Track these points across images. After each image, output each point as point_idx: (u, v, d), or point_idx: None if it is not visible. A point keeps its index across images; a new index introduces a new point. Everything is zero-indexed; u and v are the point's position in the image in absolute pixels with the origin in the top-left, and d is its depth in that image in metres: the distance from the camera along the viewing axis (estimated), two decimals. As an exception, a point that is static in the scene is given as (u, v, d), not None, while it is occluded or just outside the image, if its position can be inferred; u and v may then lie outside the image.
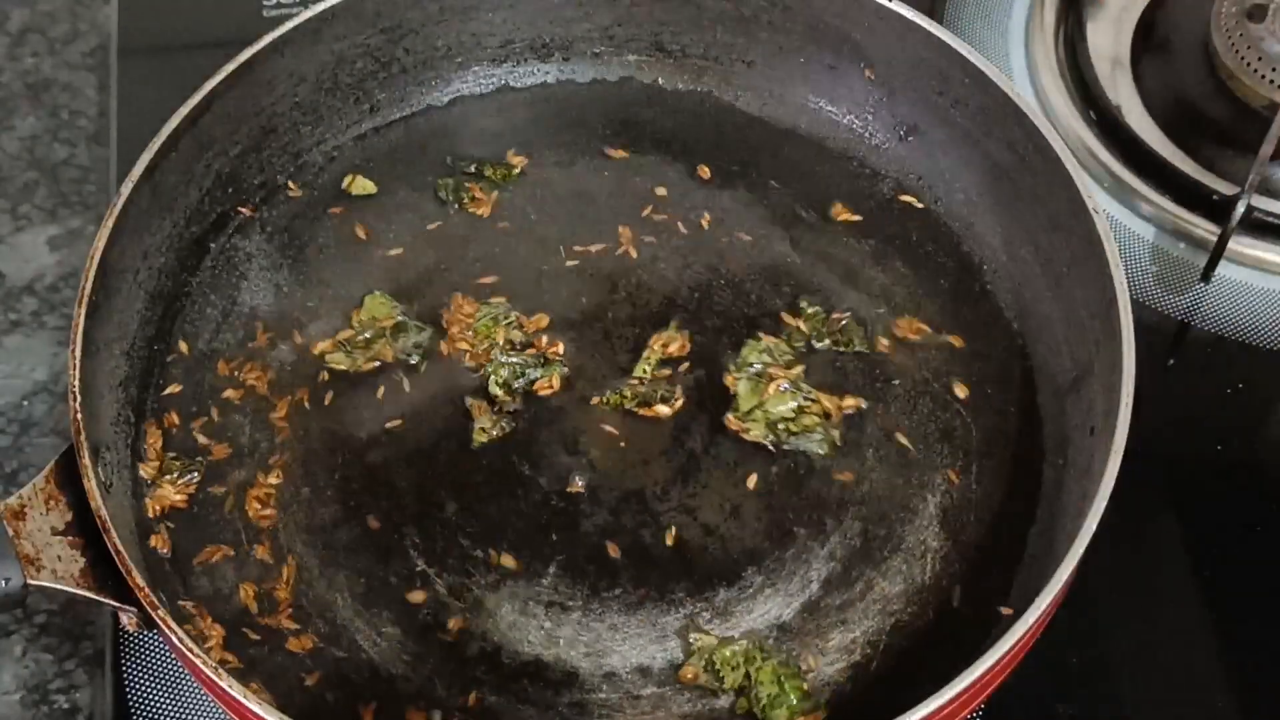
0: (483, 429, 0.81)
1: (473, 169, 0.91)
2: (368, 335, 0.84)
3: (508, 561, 0.78)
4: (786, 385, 0.82)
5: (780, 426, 0.81)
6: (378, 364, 0.84)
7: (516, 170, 0.91)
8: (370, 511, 0.79)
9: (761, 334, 0.84)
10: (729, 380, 0.83)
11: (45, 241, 0.99)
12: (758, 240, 0.88)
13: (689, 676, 0.75)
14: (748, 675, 0.74)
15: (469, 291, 0.86)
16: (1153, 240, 0.94)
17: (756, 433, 0.81)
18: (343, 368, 0.84)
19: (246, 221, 0.89)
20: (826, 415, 0.81)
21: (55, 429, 0.91)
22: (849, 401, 0.82)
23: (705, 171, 0.91)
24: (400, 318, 0.85)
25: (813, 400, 0.81)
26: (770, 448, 0.81)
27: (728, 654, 0.74)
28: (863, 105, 0.91)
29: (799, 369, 0.83)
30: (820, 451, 0.80)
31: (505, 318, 0.85)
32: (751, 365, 0.83)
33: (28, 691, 0.82)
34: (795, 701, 0.73)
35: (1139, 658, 0.80)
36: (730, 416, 0.81)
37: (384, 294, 0.86)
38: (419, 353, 0.84)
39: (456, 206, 0.89)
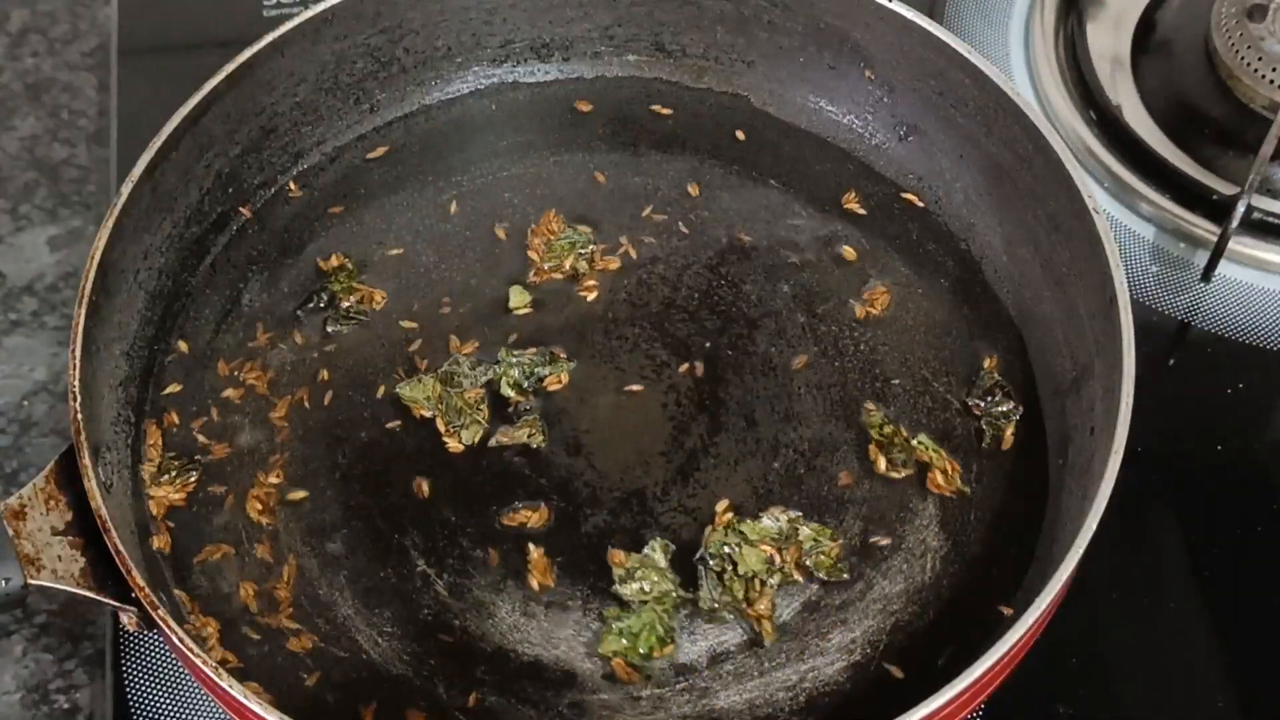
0: (530, 435, 0.81)
1: (327, 294, 0.86)
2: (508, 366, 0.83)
3: (507, 562, 0.78)
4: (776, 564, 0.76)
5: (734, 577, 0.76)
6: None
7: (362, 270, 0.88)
8: (370, 511, 0.79)
9: (818, 525, 0.78)
10: (754, 526, 0.77)
11: (45, 241, 0.99)
12: (758, 240, 0.88)
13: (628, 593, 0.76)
14: (643, 602, 0.75)
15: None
16: (1153, 240, 0.94)
17: (713, 547, 0.76)
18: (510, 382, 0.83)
19: (247, 222, 0.89)
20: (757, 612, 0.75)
21: (55, 429, 0.91)
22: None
23: (705, 172, 0.91)
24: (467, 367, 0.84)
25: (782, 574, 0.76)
26: (710, 561, 0.76)
27: (647, 585, 0.76)
28: (863, 105, 0.91)
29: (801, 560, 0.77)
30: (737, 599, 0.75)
31: (583, 248, 0.86)
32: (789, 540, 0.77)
33: (28, 691, 0.82)
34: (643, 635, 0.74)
35: (1139, 658, 0.80)
36: (712, 534, 0.77)
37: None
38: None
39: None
